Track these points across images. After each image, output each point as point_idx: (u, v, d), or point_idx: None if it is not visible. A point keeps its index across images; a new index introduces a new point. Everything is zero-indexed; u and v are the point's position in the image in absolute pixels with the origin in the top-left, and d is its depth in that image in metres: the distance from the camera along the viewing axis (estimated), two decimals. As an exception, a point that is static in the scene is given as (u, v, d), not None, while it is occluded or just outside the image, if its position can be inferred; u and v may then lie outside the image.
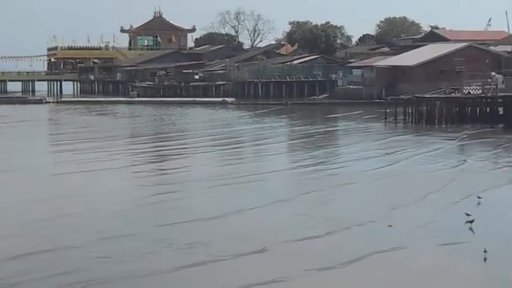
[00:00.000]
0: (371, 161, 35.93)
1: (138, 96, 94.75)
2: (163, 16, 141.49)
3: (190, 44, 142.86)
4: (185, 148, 42.81)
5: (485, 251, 18.25)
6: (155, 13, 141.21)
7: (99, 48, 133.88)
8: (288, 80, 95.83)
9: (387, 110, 60.01)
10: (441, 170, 32.93)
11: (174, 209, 24.45)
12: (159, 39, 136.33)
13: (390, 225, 21.63)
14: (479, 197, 24.89)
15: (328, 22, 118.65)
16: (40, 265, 17.56)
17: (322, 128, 55.19)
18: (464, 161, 36.13)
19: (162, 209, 24.57)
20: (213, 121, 63.04)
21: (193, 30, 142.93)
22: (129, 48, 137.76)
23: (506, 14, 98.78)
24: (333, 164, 35.74)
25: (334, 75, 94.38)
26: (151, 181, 30.20)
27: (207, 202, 25.61)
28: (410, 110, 57.87)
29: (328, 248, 19.34)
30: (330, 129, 55.92)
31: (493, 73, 64.39)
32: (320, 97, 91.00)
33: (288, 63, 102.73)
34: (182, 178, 30.90)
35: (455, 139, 45.51)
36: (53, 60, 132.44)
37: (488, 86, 58.53)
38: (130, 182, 29.92)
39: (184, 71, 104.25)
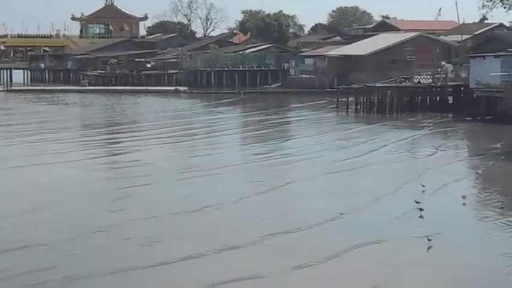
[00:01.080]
0: (325, 152, 36.21)
1: (89, 85, 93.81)
2: (114, 4, 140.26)
3: (143, 32, 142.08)
4: (138, 139, 42.12)
5: (429, 240, 18.53)
6: (107, 1, 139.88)
7: (50, 37, 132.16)
8: (241, 69, 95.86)
9: (339, 99, 60.47)
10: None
11: (127, 200, 24.38)
12: (110, 27, 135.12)
13: (341, 213, 21.87)
14: (422, 185, 25.23)
15: (280, 11, 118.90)
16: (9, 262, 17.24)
17: (276, 118, 55.16)
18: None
19: (119, 202, 24.45)
20: (166, 110, 62.82)
21: (145, 18, 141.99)
22: (80, 37, 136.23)
23: (456, 4, 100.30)
24: (293, 155, 35.87)
25: (286, 65, 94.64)
26: (106, 174, 29.95)
27: (163, 194, 25.60)
28: (361, 99, 58.37)
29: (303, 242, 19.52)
30: (285, 119, 56.04)
31: (443, 62, 65.20)
32: (273, 86, 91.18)
33: (241, 52, 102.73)
34: (136, 172, 30.67)
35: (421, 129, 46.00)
36: (2, 48, 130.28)
37: (438, 76, 59.30)
38: (85, 174, 29.52)
39: (136, 59, 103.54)
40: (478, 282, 16.33)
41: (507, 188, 26.94)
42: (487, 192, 25.79)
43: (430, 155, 34.69)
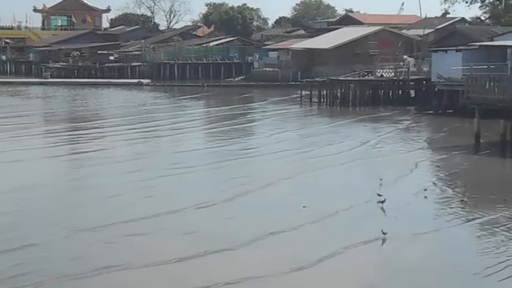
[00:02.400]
0: (283, 145, 36.34)
1: (51, 77, 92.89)
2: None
3: (105, 24, 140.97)
4: (101, 132, 41.91)
5: (384, 233, 18.69)
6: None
7: (11, 28, 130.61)
8: (205, 61, 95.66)
9: (303, 92, 60.67)
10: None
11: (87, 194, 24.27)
12: (73, 19, 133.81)
13: (304, 206, 21.99)
14: (380, 179, 25.47)
15: (244, 4, 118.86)
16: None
17: (239, 111, 55.09)
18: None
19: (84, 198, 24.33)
20: (128, 103, 62.43)
21: (108, 10, 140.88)
22: (43, 28, 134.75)
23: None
24: (259, 153, 35.92)
25: (250, 58, 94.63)
26: (68, 168, 29.80)
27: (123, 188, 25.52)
28: (325, 93, 58.59)
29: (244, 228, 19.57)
30: (248, 112, 56.03)
31: (405, 56, 65.70)
32: (236, 79, 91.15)
33: (205, 45, 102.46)
34: (100, 168, 30.45)
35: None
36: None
37: (401, 69, 59.74)
38: (49, 169, 29.34)
39: (99, 51, 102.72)
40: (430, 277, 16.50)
41: (468, 181, 27.27)
42: (448, 185, 26.07)
43: (391, 149, 34.98)
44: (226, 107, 57.26)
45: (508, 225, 20.11)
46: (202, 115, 53.04)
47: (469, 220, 20.87)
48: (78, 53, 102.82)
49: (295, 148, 34.83)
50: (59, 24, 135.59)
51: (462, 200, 23.34)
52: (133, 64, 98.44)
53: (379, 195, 22.70)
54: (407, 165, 30.00)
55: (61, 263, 16.62)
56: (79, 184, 26.26)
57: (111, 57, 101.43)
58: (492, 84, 35.37)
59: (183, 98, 68.17)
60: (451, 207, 22.35)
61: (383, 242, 18.34)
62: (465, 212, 21.87)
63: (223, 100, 64.18)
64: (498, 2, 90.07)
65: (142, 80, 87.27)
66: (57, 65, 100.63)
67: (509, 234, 19.33)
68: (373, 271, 16.49)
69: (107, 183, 25.69)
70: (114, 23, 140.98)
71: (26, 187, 24.74)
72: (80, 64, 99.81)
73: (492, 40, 52.95)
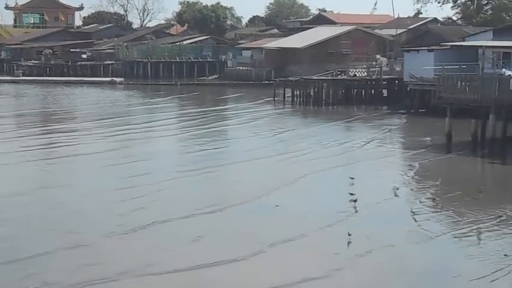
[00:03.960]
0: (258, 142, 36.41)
1: (23, 76, 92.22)
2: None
3: (78, 22, 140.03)
4: (74, 131, 41.54)
5: (349, 234, 18.79)
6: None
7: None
8: (178, 60, 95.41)
9: (276, 92, 60.78)
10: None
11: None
12: (45, 17, 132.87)
13: (277, 205, 22.08)
14: (351, 178, 25.60)
15: (218, 3, 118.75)
16: None
17: (212, 111, 54.66)
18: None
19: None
20: (101, 101, 62.10)
21: (81, 8, 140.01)
22: (14, 26, 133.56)
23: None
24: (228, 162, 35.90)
25: (224, 56, 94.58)
26: (41, 168, 29.60)
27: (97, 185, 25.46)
28: (298, 92, 58.74)
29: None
30: (221, 112, 55.96)
31: (378, 56, 66.06)
32: (210, 78, 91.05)
33: (178, 43, 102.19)
34: (72, 167, 30.36)
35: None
36: None
37: (373, 69, 60.05)
38: (20, 169, 29.18)
39: (71, 50, 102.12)
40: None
41: (439, 180, 27.49)
42: (420, 185, 26.28)
43: (363, 148, 35.17)
44: (199, 107, 56.76)
45: (479, 224, 20.33)
46: (175, 116, 52.10)
47: (440, 219, 21.07)
48: (50, 51, 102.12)
49: (269, 147, 34.93)
50: (31, 21, 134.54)
51: (433, 199, 23.54)
52: (106, 62, 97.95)
53: (351, 194, 22.85)
54: (380, 165, 30.20)
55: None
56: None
57: (84, 56, 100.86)
58: (463, 84, 35.63)
59: (157, 97, 67.97)
60: (423, 206, 22.54)
61: (348, 244, 18.44)
62: (436, 211, 22.06)
63: (196, 99, 64.01)
64: (470, 3, 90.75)
65: (115, 79, 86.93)
66: (29, 63, 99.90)
67: (480, 233, 19.56)
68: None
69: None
70: (87, 21, 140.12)
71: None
72: (52, 62, 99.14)
73: (464, 40, 53.41)
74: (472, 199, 23.35)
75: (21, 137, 38.70)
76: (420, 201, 23.23)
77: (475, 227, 20.03)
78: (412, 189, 25.47)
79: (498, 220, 20.72)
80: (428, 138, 37.86)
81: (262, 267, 16.51)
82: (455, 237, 19.05)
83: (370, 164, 30.44)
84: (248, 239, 18.46)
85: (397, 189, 24.73)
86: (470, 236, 19.23)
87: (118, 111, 53.12)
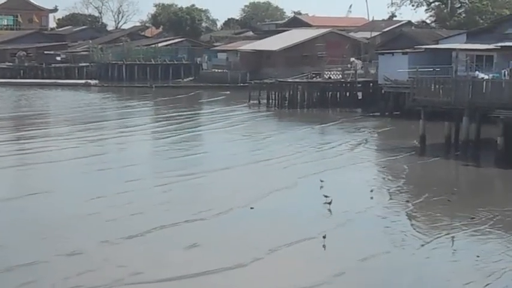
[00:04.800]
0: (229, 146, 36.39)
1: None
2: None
3: (52, 24, 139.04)
4: (48, 135, 40.77)
5: (324, 237, 18.80)
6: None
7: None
8: (153, 62, 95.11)
9: (251, 94, 60.79)
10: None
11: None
12: (19, 19, 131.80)
13: (252, 208, 22.11)
14: (321, 180, 25.66)
15: (193, 5, 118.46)
16: None
17: (187, 114, 54.16)
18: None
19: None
20: (75, 103, 61.56)
21: (55, 10, 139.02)
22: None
23: (366, 1, 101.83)
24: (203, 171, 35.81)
25: (199, 59, 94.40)
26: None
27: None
28: (273, 94, 58.78)
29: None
30: (196, 115, 55.75)
31: (353, 59, 66.30)
32: (185, 80, 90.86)
33: (153, 45, 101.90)
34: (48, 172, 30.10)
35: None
36: None
37: (348, 72, 60.26)
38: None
39: (45, 52, 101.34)
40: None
41: (413, 182, 27.65)
42: (394, 187, 26.41)
43: (338, 150, 35.27)
44: (175, 110, 56.07)
45: (452, 226, 20.48)
46: (150, 121, 50.55)
47: (414, 222, 21.19)
48: (24, 53, 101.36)
49: (246, 152, 34.95)
50: (5, 23, 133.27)
51: (407, 201, 23.66)
52: (80, 65, 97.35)
53: (326, 196, 22.91)
54: (354, 167, 30.33)
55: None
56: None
57: (58, 58, 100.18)
58: (437, 86, 35.88)
59: (131, 99, 67.70)
60: (397, 209, 22.65)
61: (324, 247, 18.47)
62: (410, 213, 22.19)
63: (171, 102, 63.54)
64: (444, 6, 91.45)
65: (89, 81, 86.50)
66: (2, 65, 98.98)
67: (453, 235, 19.69)
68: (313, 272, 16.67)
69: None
70: (61, 23, 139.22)
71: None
72: (26, 64, 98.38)
73: (437, 43, 53.73)
74: (445, 201, 23.49)
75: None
76: (394, 204, 23.35)
77: (448, 229, 20.17)
78: (386, 192, 25.57)
79: (471, 222, 20.87)
80: (402, 141, 38.05)
81: (259, 274, 16.55)
82: (428, 240, 19.13)
83: (344, 166, 30.53)
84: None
85: (371, 191, 24.82)
86: (443, 238, 19.33)
87: (93, 115, 52.35)
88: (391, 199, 24.20)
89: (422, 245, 18.62)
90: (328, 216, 21.45)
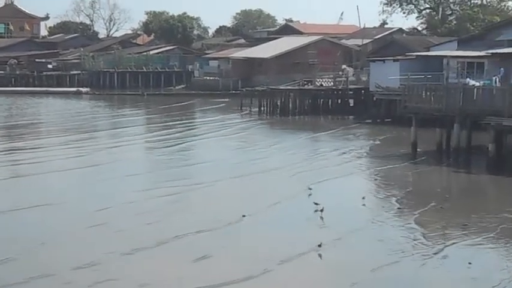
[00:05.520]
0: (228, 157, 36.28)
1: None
2: (15, 3, 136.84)
3: (44, 32, 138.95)
4: (39, 144, 40.18)
5: (319, 246, 18.76)
6: (6, 0, 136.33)
7: None
8: (145, 70, 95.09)
9: (243, 102, 60.75)
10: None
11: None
12: (10, 27, 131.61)
13: (244, 215, 22.06)
14: (309, 188, 25.62)
15: (184, 13, 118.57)
16: None
17: (179, 122, 53.73)
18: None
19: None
20: (66, 112, 61.16)
21: (46, 18, 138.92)
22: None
23: (357, 8, 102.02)
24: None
25: (190, 66, 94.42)
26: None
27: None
28: (265, 102, 58.78)
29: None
30: (188, 124, 55.38)
31: (344, 66, 66.44)
32: (177, 88, 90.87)
33: (145, 53, 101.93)
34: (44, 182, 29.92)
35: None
36: None
37: (340, 79, 60.34)
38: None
39: (37, 60, 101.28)
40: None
41: (405, 189, 27.65)
42: (386, 194, 26.41)
43: (330, 158, 35.25)
44: (167, 119, 55.63)
45: (444, 233, 20.48)
46: (143, 132, 49.34)
47: (406, 229, 21.16)
48: (15, 61, 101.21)
49: (237, 159, 34.89)
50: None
51: (399, 208, 23.65)
52: (72, 72, 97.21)
53: (316, 203, 22.92)
54: (346, 174, 30.31)
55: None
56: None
57: (50, 66, 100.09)
58: (428, 93, 35.98)
59: (123, 107, 67.54)
60: (389, 216, 22.64)
61: (320, 256, 18.44)
62: (402, 220, 22.16)
63: (163, 110, 62.97)
64: (435, 13, 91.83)
65: (81, 89, 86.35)
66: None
67: (445, 242, 19.68)
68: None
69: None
70: (52, 31, 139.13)
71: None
72: (17, 72, 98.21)
73: (429, 50, 53.89)
74: (437, 208, 23.49)
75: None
76: (386, 211, 23.34)
77: (440, 236, 20.16)
78: (378, 199, 25.58)
79: (463, 228, 20.87)
80: (394, 148, 38.08)
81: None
82: (421, 247, 19.12)
83: (337, 173, 30.50)
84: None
85: (364, 198, 24.81)
86: (435, 245, 19.31)
87: (84, 124, 51.48)
88: (382, 206, 24.18)
89: (415, 253, 18.59)
90: (319, 224, 21.41)
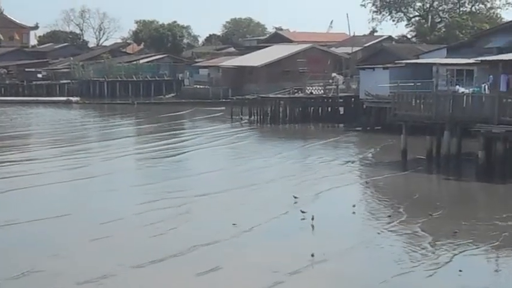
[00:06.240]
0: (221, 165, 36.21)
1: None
2: (4, 13, 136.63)
3: (33, 41, 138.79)
4: (34, 156, 39.49)
5: (312, 255, 18.63)
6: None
7: None
8: (135, 79, 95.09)
9: (233, 110, 60.71)
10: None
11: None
12: (0, 36, 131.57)
13: (234, 224, 22.02)
14: (295, 197, 25.55)
15: (174, 21, 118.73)
16: None
17: (169, 131, 53.78)
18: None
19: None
20: (58, 122, 60.83)
21: (36, 27, 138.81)
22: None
23: (347, 16, 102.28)
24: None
25: (181, 75, 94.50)
26: None
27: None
28: (255, 110, 58.81)
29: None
30: (179, 133, 55.25)
31: (334, 74, 66.58)
32: (167, 97, 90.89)
33: (134, 62, 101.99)
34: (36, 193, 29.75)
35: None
36: None
37: (330, 87, 60.44)
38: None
39: (26, 69, 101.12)
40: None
41: (395, 197, 27.66)
42: (376, 202, 26.44)
43: (319, 165, 35.24)
44: (158, 129, 55.27)
45: (435, 241, 20.48)
46: (134, 142, 48.25)
47: (396, 236, 21.17)
48: (5, 70, 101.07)
49: (230, 165, 34.83)
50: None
51: (389, 216, 23.63)
52: (62, 82, 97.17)
53: (303, 212, 22.92)
54: (336, 182, 30.28)
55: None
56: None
57: (40, 75, 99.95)
58: (418, 101, 36.06)
59: (113, 116, 67.32)
60: (379, 223, 22.64)
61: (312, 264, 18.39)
62: (392, 228, 22.16)
63: (154, 120, 62.39)
64: (424, 21, 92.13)
65: (71, 98, 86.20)
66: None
67: (436, 249, 19.69)
68: None
69: None
70: (42, 40, 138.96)
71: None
72: (7, 82, 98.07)
73: (418, 58, 54.03)
74: (427, 215, 23.50)
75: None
76: (377, 219, 23.35)
77: (430, 243, 20.17)
78: (368, 206, 25.58)
79: (453, 236, 20.88)
80: (384, 155, 38.14)
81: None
82: (411, 255, 19.13)
83: (326, 181, 30.47)
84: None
85: (354, 206, 24.79)
86: (426, 252, 19.32)
87: (76, 134, 50.92)
88: (373, 214, 24.19)
89: (405, 260, 18.58)
90: (309, 232, 21.39)
